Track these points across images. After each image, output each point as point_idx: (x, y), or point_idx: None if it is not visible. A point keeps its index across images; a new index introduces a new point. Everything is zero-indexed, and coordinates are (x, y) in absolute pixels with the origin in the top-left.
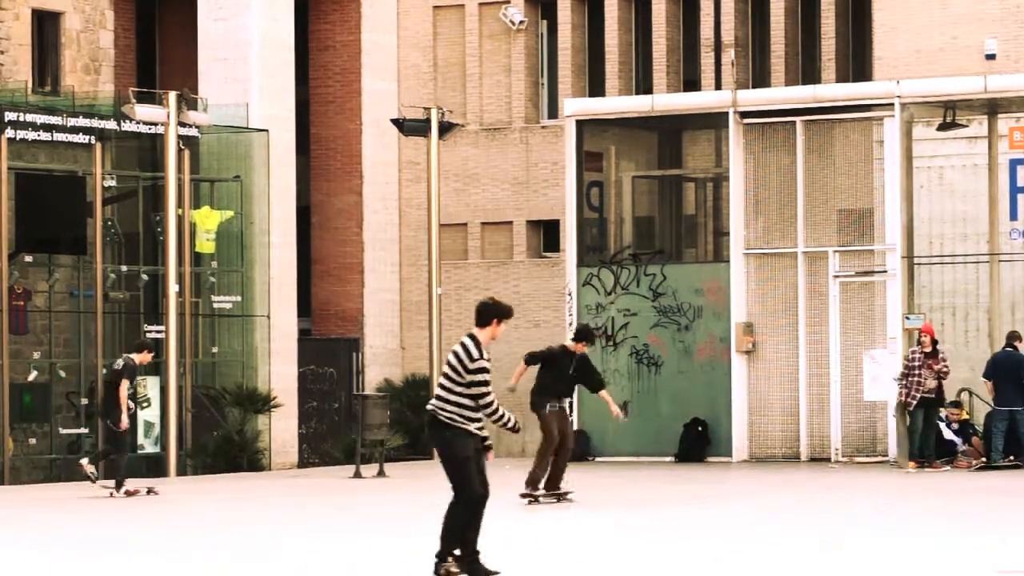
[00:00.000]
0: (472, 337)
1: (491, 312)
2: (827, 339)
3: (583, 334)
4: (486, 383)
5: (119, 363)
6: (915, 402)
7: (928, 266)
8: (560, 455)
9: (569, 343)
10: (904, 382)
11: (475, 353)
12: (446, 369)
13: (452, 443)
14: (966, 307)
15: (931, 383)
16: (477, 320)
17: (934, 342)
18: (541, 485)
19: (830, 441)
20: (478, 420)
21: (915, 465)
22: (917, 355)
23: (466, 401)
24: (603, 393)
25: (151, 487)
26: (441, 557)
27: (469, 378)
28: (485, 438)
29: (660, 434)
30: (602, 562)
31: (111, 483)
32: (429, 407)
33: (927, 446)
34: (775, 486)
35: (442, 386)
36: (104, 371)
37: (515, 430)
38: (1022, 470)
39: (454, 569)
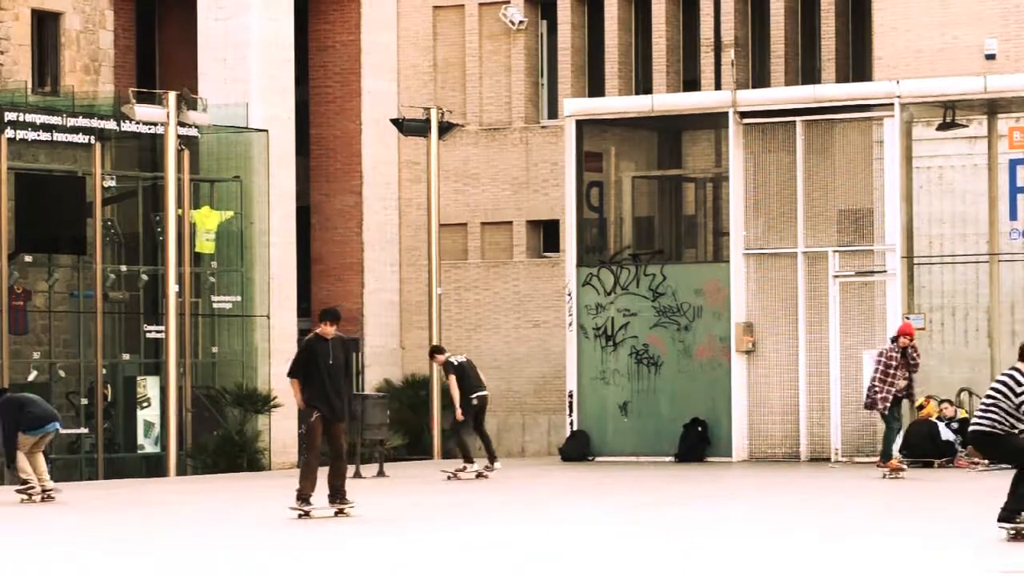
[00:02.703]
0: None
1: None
2: (827, 339)
3: (330, 314)
4: None
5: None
6: (888, 403)
7: (928, 266)
8: (333, 467)
9: (319, 329)
10: (882, 383)
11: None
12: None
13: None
14: (966, 307)
15: (902, 382)
16: None
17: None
18: (313, 500)
19: (830, 441)
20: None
21: (898, 462)
22: (895, 354)
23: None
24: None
25: (456, 471)
26: (1012, 512)
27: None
28: None
29: (660, 434)
30: (602, 562)
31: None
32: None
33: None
34: (775, 486)
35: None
36: (457, 362)
37: None
38: None
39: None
